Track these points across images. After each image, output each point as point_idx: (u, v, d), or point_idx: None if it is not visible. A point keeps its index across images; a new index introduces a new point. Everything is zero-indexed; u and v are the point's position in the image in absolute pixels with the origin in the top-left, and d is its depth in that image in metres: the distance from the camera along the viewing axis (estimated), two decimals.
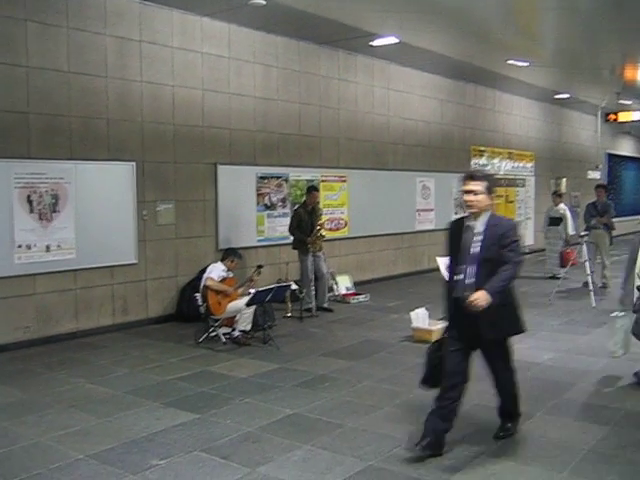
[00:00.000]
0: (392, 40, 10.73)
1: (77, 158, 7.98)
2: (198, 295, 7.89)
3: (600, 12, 9.32)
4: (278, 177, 10.57)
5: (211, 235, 9.55)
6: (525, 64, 12.56)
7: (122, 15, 8.35)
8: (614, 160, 24.25)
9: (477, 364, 4.75)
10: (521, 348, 7.47)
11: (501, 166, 16.84)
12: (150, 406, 5.57)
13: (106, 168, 8.27)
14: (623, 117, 14.61)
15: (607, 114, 14.67)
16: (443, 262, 8.61)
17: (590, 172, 21.42)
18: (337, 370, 6.65)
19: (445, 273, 8.47)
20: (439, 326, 8.00)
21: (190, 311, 8.56)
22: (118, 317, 8.54)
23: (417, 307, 8.23)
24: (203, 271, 8.54)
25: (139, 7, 8.51)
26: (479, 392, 5.50)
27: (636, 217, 25.95)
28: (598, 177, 21.57)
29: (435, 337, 7.78)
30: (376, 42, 10.93)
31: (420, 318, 8.01)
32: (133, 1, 8.42)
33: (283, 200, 10.67)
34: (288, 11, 9.12)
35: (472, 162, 15.59)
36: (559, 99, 17.82)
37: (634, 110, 15.14)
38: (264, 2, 8.65)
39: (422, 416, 5.24)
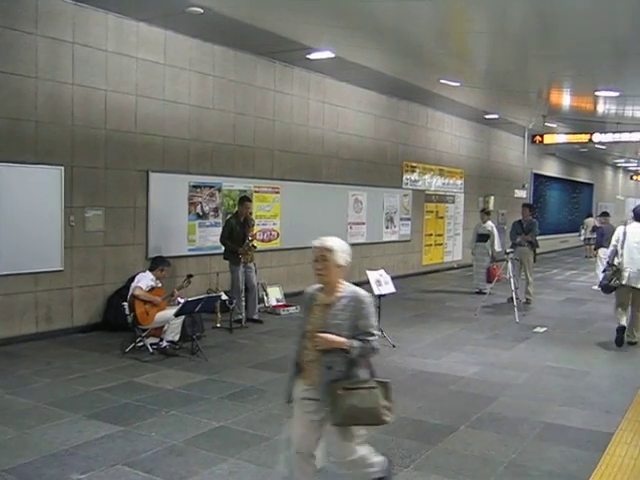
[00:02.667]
0: (328, 54, 10.84)
1: (1, 160, 7.71)
2: (126, 304, 7.75)
3: (528, 37, 9.66)
4: (211, 186, 10.49)
5: (141, 243, 9.38)
6: (457, 84, 12.89)
7: (55, 16, 8.15)
8: (539, 180, 25.10)
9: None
10: (447, 362, 7.67)
11: (432, 182, 17.19)
12: (72, 418, 5.41)
13: (32, 172, 8.02)
14: (548, 139, 15.15)
15: (533, 136, 15.18)
16: (373, 276, 8.77)
17: (517, 191, 22.12)
18: (265, 382, 6.63)
19: (375, 287, 8.63)
20: None
21: (117, 320, 8.37)
22: (42, 325, 8.27)
23: None
24: (132, 279, 8.38)
25: (73, 8, 8.32)
26: (404, 406, 5.60)
27: (559, 236, 26.99)
28: (524, 196, 22.28)
29: None
30: (312, 55, 11.01)
31: None
32: (67, 2, 8.23)
33: (215, 210, 10.59)
34: (225, 21, 9.09)
35: (404, 177, 15.86)
36: (489, 119, 18.34)
37: (559, 133, 15.72)
38: (201, 10, 8.60)
39: None
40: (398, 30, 9.50)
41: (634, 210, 8.98)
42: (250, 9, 8.74)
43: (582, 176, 31.05)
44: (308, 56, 11.09)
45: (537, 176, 24.65)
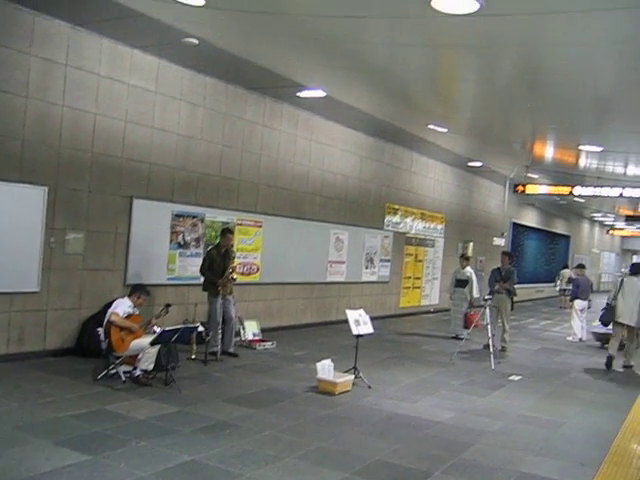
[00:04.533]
0: (319, 93, 10.95)
1: None
2: (101, 330, 7.63)
3: (515, 89, 9.84)
4: (194, 216, 10.45)
5: (120, 269, 9.28)
6: (444, 130, 13.06)
7: (50, 37, 8.16)
8: (518, 229, 25.37)
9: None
10: (423, 405, 7.62)
11: (413, 225, 17.29)
12: (39, 444, 5.26)
13: (15, 190, 7.93)
14: (530, 189, 15.36)
15: (515, 185, 15.39)
16: (352, 315, 8.74)
17: (496, 239, 22.35)
18: (239, 417, 6.52)
19: (354, 327, 8.58)
20: (344, 379, 8.05)
21: (91, 346, 8.22)
22: (13, 347, 8.09)
23: (323, 358, 8.22)
24: (108, 305, 8.28)
25: (69, 31, 8.34)
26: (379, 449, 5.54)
27: (535, 285, 27.20)
28: (503, 244, 22.50)
29: (340, 389, 7.83)
30: (303, 93, 11.12)
31: (326, 369, 8.00)
32: (63, 24, 8.25)
33: (197, 240, 10.54)
34: (220, 53, 9.16)
35: (386, 219, 15.94)
36: (472, 167, 18.58)
37: (540, 184, 15.95)
38: (197, 42, 8.67)
39: (324, 469, 5.21)
40: (388, 73, 9.65)
41: (632, 265, 11.95)
42: (245, 43, 8.83)
43: (560, 228, 31.46)
44: (298, 94, 11.20)
45: (516, 225, 24.93)
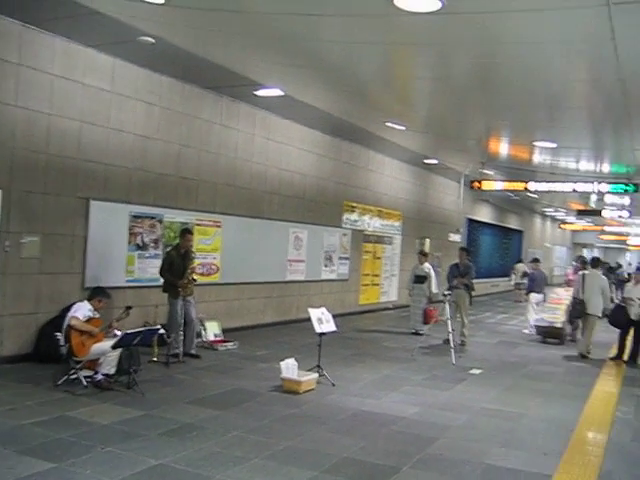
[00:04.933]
0: (277, 92, 10.91)
1: None
2: (60, 334, 7.48)
3: (469, 87, 9.94)
4: (152, 217, 10.31)
5: (78, 272, 9.10)
6: (402, 128, 13.15)
7: (1, 35, 7.95)
8: (473, 225, 25.75)
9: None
10: (387, 402, 7.68)
11: (371, 223, 17.39)
12: (2, 453, 5.13)
13: None
14: (486, 186, 15.57)
15: (472, 181, 15.60)
16: (315, 313, 8.75)
17: (451, 235, 22.66)
18: (205, 419, 6.47)
19: (316, 325, 8.58)
20: (308, 377, 8.06)
21: (49, 351, 8.06)
22: None
23: (286, 357, 8.21)
24: (66, 309, 8.13)
25: (20, 29, 8.14)
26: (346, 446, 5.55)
27: (490, 280, 27.62)
28: (458, 240, 22.83)
29: (304, 388, 7.84)
30: (260, 92, 11.07)
31: (290, 368, 7.99)
32: (14, 23, 8.05)
33: (156, 241, 10.40)
34: (176, 51, 9.05)
35: (344, 217, 16.00)
36: (427, 164, 18.77)
37: (495, 180, 16.22)
38: (153, 40, 8.55)
39: (293, 468, 5.21)
40: (345, 71, 9.66)
41: (591, 259, 13.37)
42: (202, 42, 8.76)
43: (513, 223, 32.03)
44: (255, 92, 11.15)
45: (471, 221, 25.29)
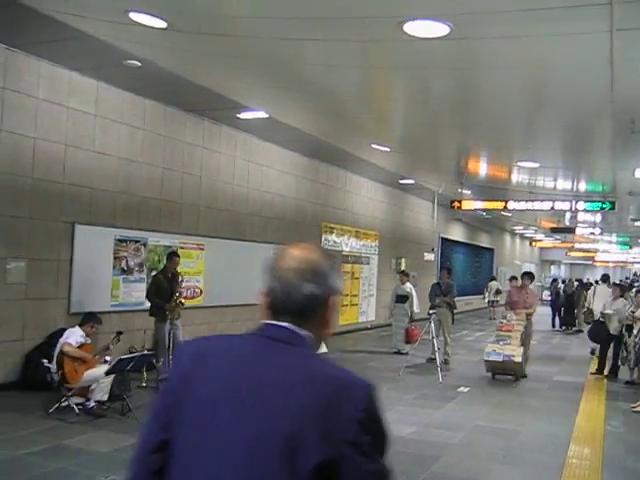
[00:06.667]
0: (261, 114, 10.94)
1: None
2: (47, 361, 7.36)
3: (447, 108, 10.09)
4: (137, 241, 10.23)
5: (63, 298, 8.96)
6: (387, 149, 13.25)
7: None
8: (446, 244, 25.98)
9: None
10: None
11: (349, 243, 17.46)
12: None
13: None
14: (466, 205, 15.77)
15: (452, 201, 15.78)
16: None
17: (426, 254, 22.85)
18: None
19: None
20: None
21: (37, 378, 7.91)
22: None
23: None
24: (52, 335, 8.03)
25: (5, 53, 8.07)
26: None
27: (464, 298, 27.84)
28: (433, 259, 23.04)
29: None
30: (245, 115, 11.10)
31: None
32: None
33: (140, 265, 10.31)
34: (160, 74, 9.02)
35: (323, 238, 16.05)
36: (402, 184, 18.94)
37: (475, 199, 16.42)
38: (139, 64, 8.54)
39: None
40: (327, 93, 9.72)
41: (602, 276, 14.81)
42: (187, 64, 8.74)
43: (484, 241, 32.40)
44: (238, 115, 11.18)
45: (444, 240, 25.52)
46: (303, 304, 1.54)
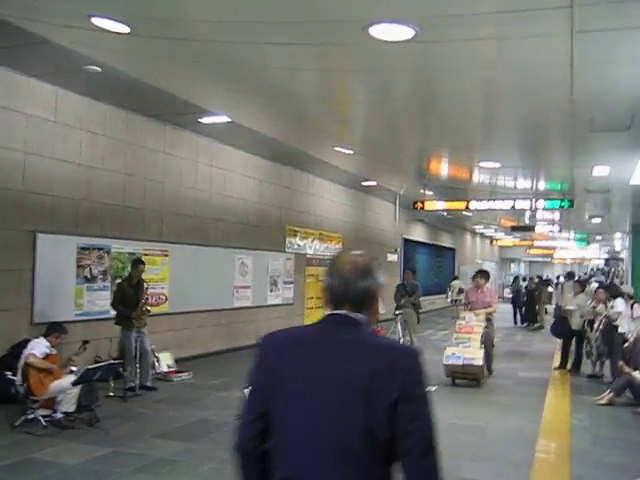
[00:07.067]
0: (223, 119, 10.89)
1: None
2: (10, 373, 7.21)
3: (407, 110, 10.14)
4: (100, 248, 10.08)
5: (25, 308, 8.78)
6: (350, 152, 13.29)
7: None
8: (409, 244, 26.18)
9: None
10: None
11: (313, 246, 17.47)
12: None
13: None
14: (429, 206, 15.91)
15: (414, 202, 15.90)
16: None
17: (389, 255, 22.97)
18: (176, 452, 6.33)
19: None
20: None
21: (0, 391, 7.72)
22: None
23: (242, 384, 8.10)
24: (16, 346, 7.85)
25: None
26: None
27: (427, 297, 28.08)
28: (396, 260, 23.17)
29: None
30: (206, 119, 11.03)
31: None
32: None
33: (104, 273, 10.16)
34: (120, 79, 8.90)
35: (287, 241, 16.03)
36: (365, 186, 19.03)
37: (437, 199, 16.57)
38: (99, 69, 8.43)
39: None
40: (288, 96, 9.70)
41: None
42: (148, 69, 8.63)
43: (445, 241, 32.75)
44: (200, 120, 11.10)
45: (406, 241, 25.72)
46: (359, 295, 2.02)
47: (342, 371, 1.93)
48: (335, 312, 2.03)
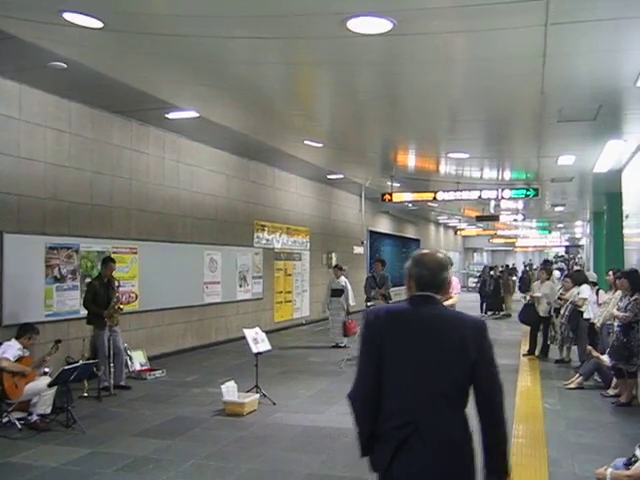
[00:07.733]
0: (190, 114, 10.79)
1: None
2: None
3: (372, 102, 10.16)
4: (68, 248, 9.93)
5: None
6: (319, 145, 13.27)
7: None
8: (374, 236, 26.33)
9: None
10: (331, 415, 7.75)
11: (280, 240, 17.46)
12: None
13: None
14: (397, 197, 15.99)
15: (383, 194, 15.97)
16: (250, 334, 8.71)
17: (356, 247, 23.09)
18: (156, 450, 6.30)
19: (252, 345, 8.53)
20: (251, 398, 8.01)
21: None
22: None
23: (216, 381, 8.14)
24: None
25: None
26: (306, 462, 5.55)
27: (393, 289, 28.29)
28: (362, 252, 23.31)
29: (248, 409, 7.78)
30: (172, 115, 10.92)
31: (230, 391, 7.92)
32: None
33: (73, 272, 10.01)
34: (86, 76, 8.74)
35: (255, 236, 16.00)
36: (330, 179, 19.06)
37: (404, 191, 16.64)
38: (65, 65, 8.29)
39: None
40: (254, 90, 9.64)
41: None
42: (115, 64, 8.50)
43: (410, 232, 33.00)
44: (167, 115, 10.99)
45: (372, 233, 25.85)
46: (441, 282, 2.73)
47: (438, 338, 2.63)
48: (422, 293, 2.71)
